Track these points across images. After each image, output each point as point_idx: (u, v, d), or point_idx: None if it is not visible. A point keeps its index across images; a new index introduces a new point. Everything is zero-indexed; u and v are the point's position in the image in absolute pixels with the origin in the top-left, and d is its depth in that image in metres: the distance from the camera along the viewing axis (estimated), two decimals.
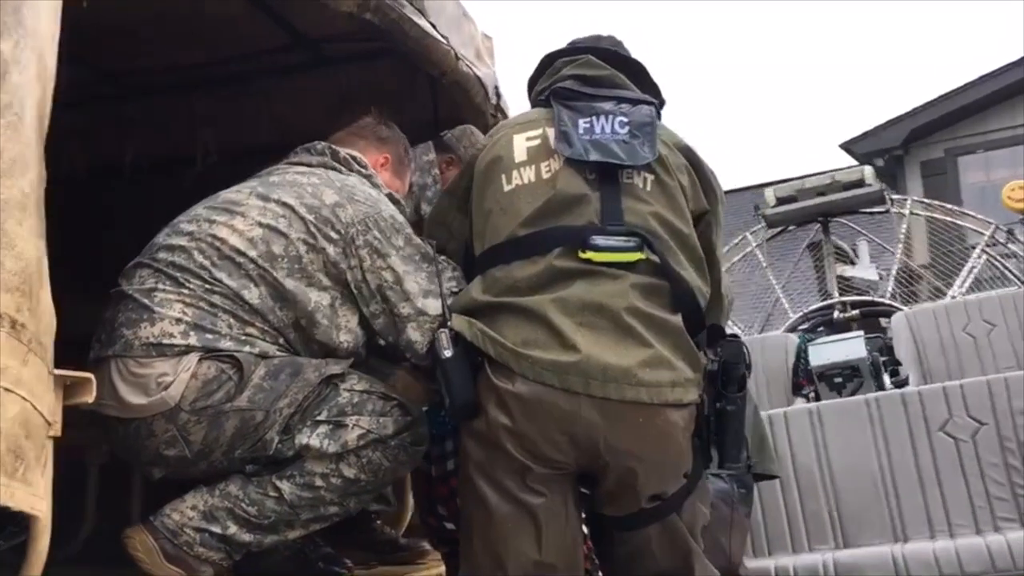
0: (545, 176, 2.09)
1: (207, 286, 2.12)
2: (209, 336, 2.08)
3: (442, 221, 2.30)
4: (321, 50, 3.59)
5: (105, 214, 4.11)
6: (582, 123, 2.08)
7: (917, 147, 12.86)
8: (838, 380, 5.24)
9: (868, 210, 7.74)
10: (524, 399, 1.90)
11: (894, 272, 7.41)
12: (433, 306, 2.16)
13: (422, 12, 2.79)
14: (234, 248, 2.16)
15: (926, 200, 8.76)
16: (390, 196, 2.43)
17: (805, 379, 5.38)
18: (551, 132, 2.12)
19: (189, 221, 2.24)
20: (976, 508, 3.38)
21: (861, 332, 5.74)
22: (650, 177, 2.09)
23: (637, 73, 2.29)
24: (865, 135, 13.05)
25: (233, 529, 2.06)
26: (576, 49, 2.30)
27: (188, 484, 2.16)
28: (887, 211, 7.66)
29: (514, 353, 1.92)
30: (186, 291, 2.11)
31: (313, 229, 2.19)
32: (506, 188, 2.11)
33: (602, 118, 2.09)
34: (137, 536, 2.04)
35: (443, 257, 2.25)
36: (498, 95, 3.41)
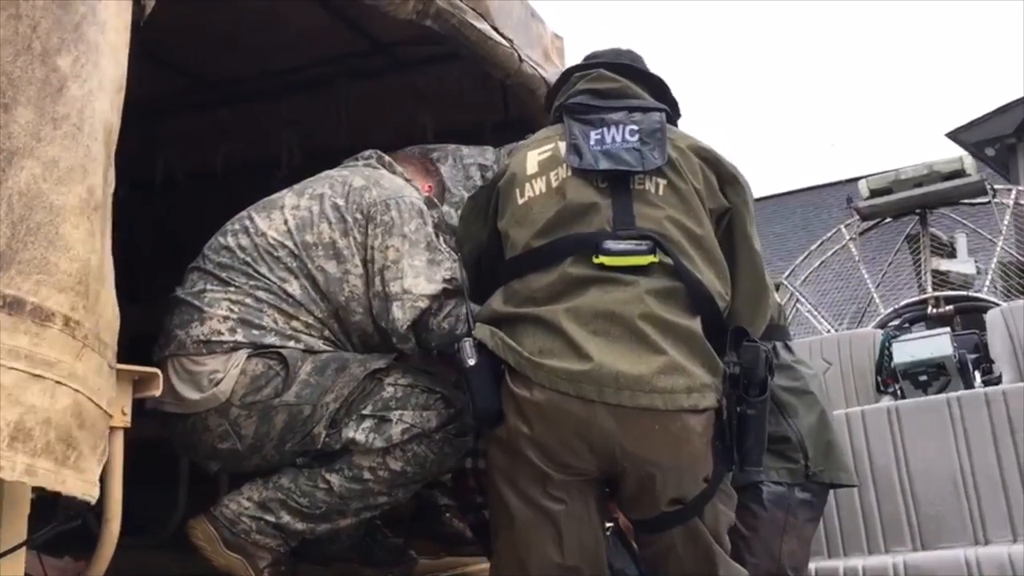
0: (554, 185, 2.11)
1: (252, 282, 2.23)
2: (255, 332, 2.19)
3: (465, 220, 2.36)
4: (396, 54, 3.68)
5: (201, 216, 4.30)
6: (593, 135, 2.10)
7: None
8: (923, 378, 5.03)
9: (969, 201, 7.42)
10: (542, 407, 1.93)
11: (993, 266, 7.06)
12: (421, 286, 2.22)
13: (483, 16, 2.83)
14: (271, 242, 2.27)
15: None
16: (427, 200, 2.50)
17: (890, 377, 5.20)
18: (562, 145, 2.15)
19: (234, 223, 2.37)
20: None
21: (948, 329, 5.50)
22: (662, 182, 2.08)
23: (655, 87, 2.30)
24: (974, 123, 12.45)
25: (287, 519, 2.16)
26: (590, 64, 2.33)
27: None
28: (989, 202, 7.32)
29: (531, 362, 1.95)
30: (232, 288, 2.23)
31: (343, 213, 2.30)
32: (520, 201, 2.14)
33: (612, 128, 2.10)
34: (199, 526, 2.17)
35: (445, 247, 2.30)
36: None
